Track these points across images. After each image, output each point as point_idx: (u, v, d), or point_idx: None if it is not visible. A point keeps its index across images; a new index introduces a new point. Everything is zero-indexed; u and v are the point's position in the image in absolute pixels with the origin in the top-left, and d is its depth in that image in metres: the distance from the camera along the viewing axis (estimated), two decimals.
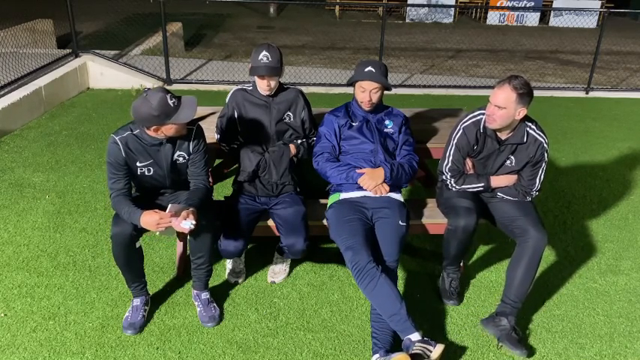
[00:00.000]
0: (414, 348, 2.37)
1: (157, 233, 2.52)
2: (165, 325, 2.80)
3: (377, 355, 2.49)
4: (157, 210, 2.49)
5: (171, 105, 2.45)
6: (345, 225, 2.74)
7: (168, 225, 2.47)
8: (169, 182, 2.76)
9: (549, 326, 2.90)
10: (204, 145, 2.75)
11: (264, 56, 2.84)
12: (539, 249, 2.74)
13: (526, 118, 2.80)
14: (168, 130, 2.53)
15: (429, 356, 2.35)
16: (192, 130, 2.68)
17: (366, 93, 2.91)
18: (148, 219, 2.47)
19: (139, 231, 2.58)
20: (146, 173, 2.67)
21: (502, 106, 2.66)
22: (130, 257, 2.66)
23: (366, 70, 2.89)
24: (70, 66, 6.75)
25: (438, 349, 2.37)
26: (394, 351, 2.49)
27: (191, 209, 2.52)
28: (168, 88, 7.07)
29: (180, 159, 2.70)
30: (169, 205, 2.51)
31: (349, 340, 2.75)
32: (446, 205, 2.97)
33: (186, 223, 2.45)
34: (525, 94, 2.66)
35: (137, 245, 2.66)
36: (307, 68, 8.14)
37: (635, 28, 15.25)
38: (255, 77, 2.94)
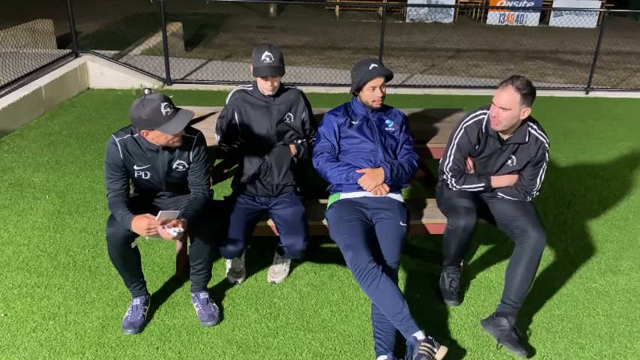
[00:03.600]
0: (420, 348, 2.38)
1: (147, 238, 2.52)
2: (165, 325, 2.80)
3: (384, 357, 2.49)
4: (147, 215, 2.47)
5: (163, 114, 2.42)
6: (345, 225, 2.74)
7: (156, 231, 2.46)
8: (165, 187, 2.76)
9: (549, 326, 2.90)
10: (206, 154, 2.73)
11: (266, 57, 2.84)
12: (538, 249, 2.74)
13: (528, 118, 2.80)
14: (157, 137, 2.50)
15: (433, 358, 2.36)
16: (193, 139, 2.67)
17: (377, 89, 2.91)
18: (138, 224, 2.46)
19: (134, 232, 2.57)
20: (143, 177, 2.67)
21: (507, 108, 2.66)
22: (125, 258, 2.66)
23: (372, 67, 2.89)
24: (70, 66, 6.75)
25: (441, 351, 2.38)
26: (398, 352, 2.51)
27: (182, 220, 2.51)
28: (168, 88, 7.09)
29: (180, 167, 2.69)
30: (160, 212, 2.49)
31: (349, 340, 2.75)
32: (446, 205, 2.97)
33: (173, 230, 2.43)
34: (529, 94, 2.66)
35: (133, 245, 2.65)
36: (307, 68, 8.14)
37: (635, 28, 15.25)
38: (258, 78, 2.94)
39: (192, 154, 2.67)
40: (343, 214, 2.81)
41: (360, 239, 2.65)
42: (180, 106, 2.57)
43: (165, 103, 2.44)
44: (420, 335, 2.43)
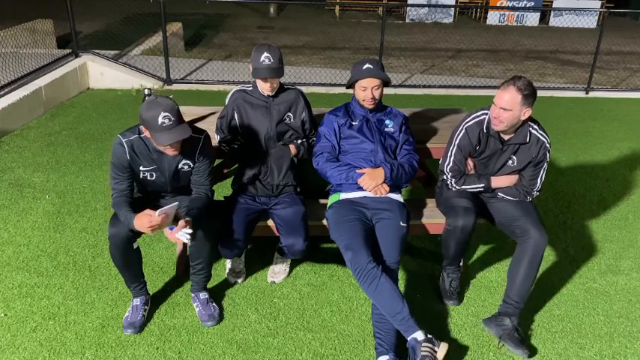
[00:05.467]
0: (422, 350, 2.38)
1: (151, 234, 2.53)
2: (165, 325, 2.80)
3: (386, 357, 2.49)
4: (147, 211, 2.46)
5: (159, 123, 2.38)
6: (345, 225, 2.74)
7: (157, 227, 2.46)
8: (170, 188, 2.76)
9: (549, 326, 2.90)
10: (211, 154, 2.73)
11: (265, 58, 2.84)
12: (540, 249, 2.74)
13: (529, 119, 2.80)
14: (151, 138, 2.49)
15: (435, 357, 2.36)
16: (200, 139, 2.66)
17: (367, 91, 2.91)
18: (140, 222, 2.46)
19: (136, 232, 2.57)
20: (148, 178, 2.67)
21: (508, 108, 2.66)
22: (127, 258, 2.66)
23: (364, 67, 2.89)
24: (70, 66, 6.75)
25: (442, 349, 2.39)
26: (398, 352, 2.51)
27: (188, 219, 2.51)
28: (168, 88, 7.09)
29: (185, 167, 2.68)
30: (158, 210, 2.46)
31: (349, 340, 2.75)
32: (445, 205, 2.97)
33: (183, 235, 2.44)
34: (530, 95, 2.66)
35: (135, 246, 2.65)
36: (307, 68, 8.13)
37: (635, 28, 15.25)
38: (258, 79, 2.95)
39: (198, 153, 2.67)
40: (343, 214, 2.80)
41: (360, 239, 2.65)
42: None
43: (166, 114, 2.38)
44: (420, 336, 2.43)
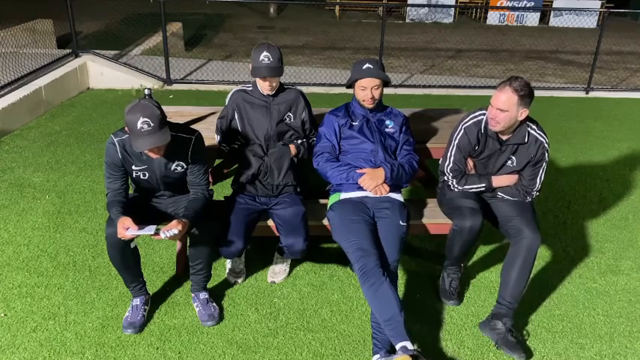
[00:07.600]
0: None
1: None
2: (165, 325, 2.80)
3: (377, 356, 2.49)
4: (128, 223, 2.43)
5: (138, 127, 2.35)
6: (351, 226, 2.73)
7: (133, 236, 2.45)
8: (163, 187, 2.76)
9: (549, 326, 2.90)
10: (204, 154, 2.72)
11: (265, 57, 2.84)
12: (533, 249, 2.73)
13: (527, 119, 2.80)
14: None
15: None
16: (191, 139, 2.65)
17: (367, 91, 2.91)
18: (119, 226, 2.45)
19: None
20: (141, 177, 2.67)
21: (504, 109, 2.66)
22: (125, 258, 2.65)
23: (364, 67, 2.89)
24: (70, 66, 6.75)
25: None
26: (394, 351, 2.49)
27: (185, 221, 2.52)
28: (168, 88, 7.09)
29: (179, 168, 2.68)
30: (137, 230, 2.44)
31: (349, 340, 2.75)
32: (449, 206, 2.96)
33: (163, 233, 2.44)
34: (526, 96, 2.66)
35: (132, 246, 2.65)
36: (307, 68, 8.14)
37: (635, 28, 15.25)
38: (257, 78, 2.95)
39: (190, 154, 2.67)
40: (347, 215, 2.79)
41: (368, 241, 2.64)
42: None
43: (145, 120, 2.35)
44: (408, 345, 2.37)
